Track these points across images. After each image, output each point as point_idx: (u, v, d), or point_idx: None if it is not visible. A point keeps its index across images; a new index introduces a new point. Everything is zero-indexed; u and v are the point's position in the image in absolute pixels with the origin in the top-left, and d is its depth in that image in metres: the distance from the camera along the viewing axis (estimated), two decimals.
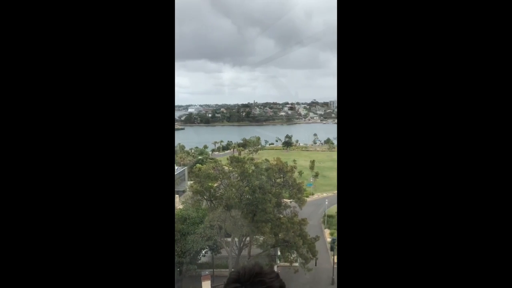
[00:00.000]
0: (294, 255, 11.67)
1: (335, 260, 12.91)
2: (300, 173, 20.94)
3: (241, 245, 12.33)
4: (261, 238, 11.81)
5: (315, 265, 12.47)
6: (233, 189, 11.96)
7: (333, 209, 17.73)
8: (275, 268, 12.39)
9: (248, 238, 12.41)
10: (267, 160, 15.03)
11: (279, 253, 12.53)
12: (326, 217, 17.63)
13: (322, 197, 20.47)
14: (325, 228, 16.99)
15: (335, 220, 17.35)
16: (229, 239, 12.05)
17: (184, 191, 17.62)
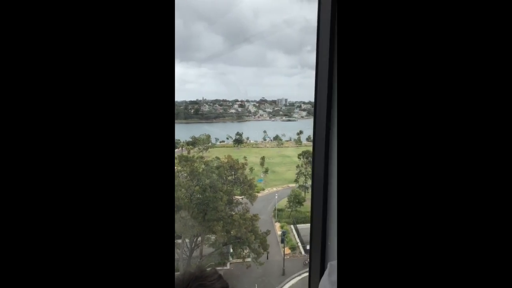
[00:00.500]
0: (247, 250, 11.83)
1: (286, 252, 13.54)
2: (251, 169, 21.25)
3: (193, 245, 12.02)
4: (213, 237, 11.68)
5: (267, 258, 12.85)
6: (183, 189, 11.56)
7: (282, 203, 18.48)
8: (228, 265, 12.41)
9: (199, 238, 12.15)
10: (217, 158, 14.87)
11: (231, 250, 12.57)
12: (276, 211, 18.28)
13: (272, 192, 21.14)
14: (275, 221, 17.61)
15: (284, 213, 18.12)
16: (179, 241, 11.63)
17: None
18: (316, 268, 1.33)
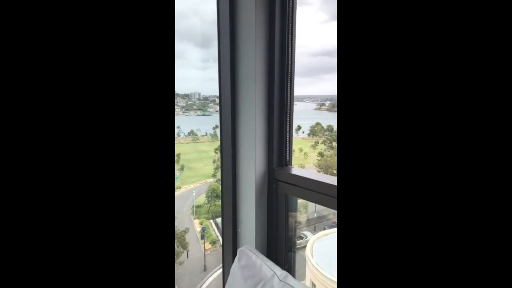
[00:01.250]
0: None
1: (206, 247, 13.47)
2: None
3: None
4: None
5: (187, 257, 12.53)
6: None
7: (201, 199, 18.27)
8: None
9: None
10: None
11: None
12: (194, 208, 17.92)
13: (190, 189, 20.57)
14: (194, 218, 17.28)
15: (203, 209, 17.98)
16: None
17: None
18: (229, 256, 1.38)
